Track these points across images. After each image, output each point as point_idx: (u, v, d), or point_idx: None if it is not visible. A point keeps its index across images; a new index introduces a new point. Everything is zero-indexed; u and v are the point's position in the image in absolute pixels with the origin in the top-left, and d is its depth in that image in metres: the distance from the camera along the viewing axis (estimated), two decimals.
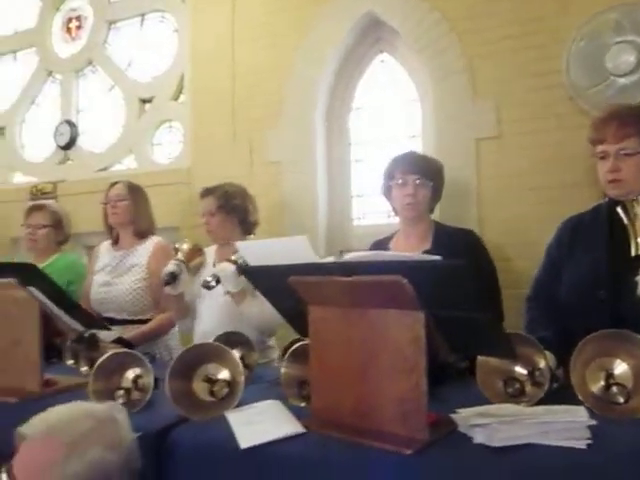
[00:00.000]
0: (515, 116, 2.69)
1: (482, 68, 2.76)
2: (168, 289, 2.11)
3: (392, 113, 3.24)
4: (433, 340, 1.16)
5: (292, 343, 1.71)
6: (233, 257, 1.95)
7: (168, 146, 3.92)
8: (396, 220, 3.12)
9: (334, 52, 3.18)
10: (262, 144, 3.32)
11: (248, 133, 3.38)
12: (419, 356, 1.13)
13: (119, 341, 2.18)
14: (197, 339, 2.21)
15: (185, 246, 2.22)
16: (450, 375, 1.55)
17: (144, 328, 2.40)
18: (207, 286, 1.96)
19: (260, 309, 2.04)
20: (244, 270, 1.45)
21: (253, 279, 1.46)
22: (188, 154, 3.67)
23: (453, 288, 1.05)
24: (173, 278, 2.07)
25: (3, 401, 1.60)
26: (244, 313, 2.03)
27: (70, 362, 2.12)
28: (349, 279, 1.16)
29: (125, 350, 1.60)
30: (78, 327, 1.75)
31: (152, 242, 2.53)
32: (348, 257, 1.17)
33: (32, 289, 1.60)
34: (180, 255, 2.19)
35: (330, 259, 1.23)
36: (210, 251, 2.39)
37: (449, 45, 2.84)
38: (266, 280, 1.38)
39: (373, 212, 3.28)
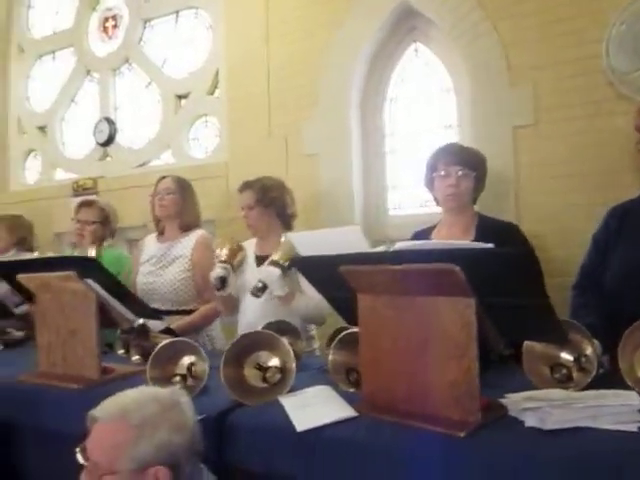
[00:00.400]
0: (553, 103, 2.66)
1: (518, 55, 2.74)
2: (219, 293, 2.16)
3: (426, 103, 3.24)
4: (483, 326, 1.19)
5: (336, 332, 1.75)
6: (275, 258, 1.99)
7: (204, 141, 3.99)
8: (432, 210, 3.14)
9: (368, 43, 3.20)
10: (297, 137, 3.36)
11: (283, 126, 3.43)
12: (470, 341, 1.16)
13: (166, 331, 2.26)
14: (241, 331, 2.26)
15: (225, 250, 2.24)
16: (494, 361, 1.58)
17: (189, 319, 2.47)
18: (256, 294, 1.99)
19: (306, 301, 2.09)
20: (295, 261, 1.49)
21: (303, 269, 1.50)
22: (224, 148, 3.73)
23: (506, 275, 1.08)
24: (223, 283, 2.13)
25: (66, 387, 1.68)
26: (291, 306, 2.08)
27: (121, 352, 2.21)
28: (401, 267, 1.19)
29: (181, 339, 1.67)
30: (132, 317, 1.82)
31: (196, 235, 2.60)
32: (399, 246, 1.20)
33: (90, 281, 1.67)
34: (224, 256, 2.21)
35: (381, 248, 1.26)
36: (250, 244, 2.43)
37: (484, 32, 2.82)
38: (316, 270, 1.43)
39: (409, 203, 3.30)
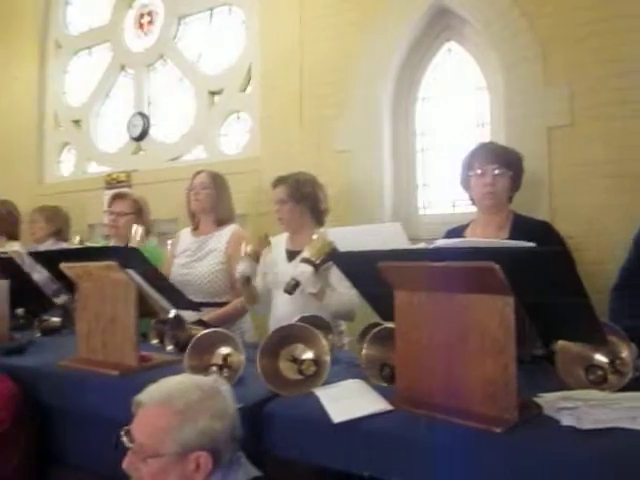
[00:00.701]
0: (589, 103, 2.64)
1: (555, 54, 2.72)
2: (243, 287, 2.21)
3: (459, 102, 3.23)
4: (521, 324, 1.20)
5: (369, 327, 1.77)
6: (307, 255, 2.02)
7: (235, 136, 4.04)
8: (462, 210, 3.15)
9: (401, 41, 3.20)
10: (329, 133, 3.38)
11: (315, 122, 3.45)
12: (508, 339, 1.17)
13: (199, 322, 2.30)
14: (272, 325, 2.30)
15: (249, 248, 2.26)
16: (526, 361, 1.58)
17: (221, 311, 2.52)
18: (289, 291, 2.02)
19: (337, 298, 2.12)
20: (333, 256, 1.51)
21: (341, 264, 1.53)
22: (256, 144, 3.77)
23: (545, 274, 1.09)
24: (248, 280, 2.18)
25: (106, 373, 1.73)
26: (322, 303, 2.11)
27: (155, 341, 2.27)
28: (440, 264, 1.21)
29: (219, 329, 1.70)
30: (169, 307, 1.87)
31: (231, 229, 2.64)
32: (439, 243, 1.21)
33: (130, 271, 1.72)
34: (249, 251, 2.24)
35: (420, 245, 1.28)
36: (281, 239, 2.47)
37: (520, 31, 2.81)
38: (354, 265, 1.45)
39: (438, 201, 3.30)
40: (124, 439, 1.20)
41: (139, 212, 3.00)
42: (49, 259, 2.04)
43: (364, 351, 1.61)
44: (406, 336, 1.36)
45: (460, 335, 1.24)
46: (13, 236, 3.75)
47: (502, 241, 1.24)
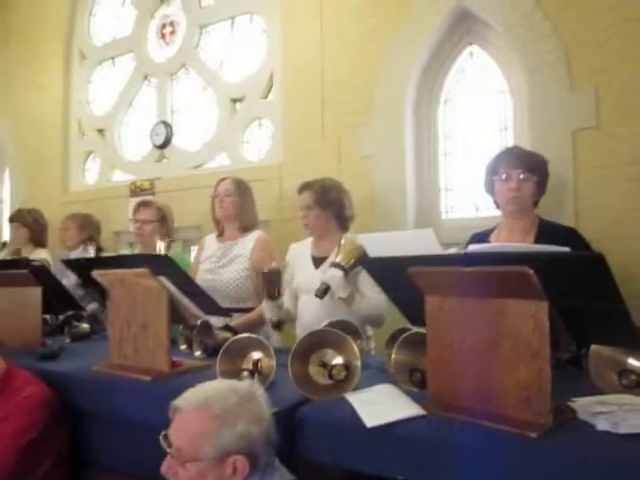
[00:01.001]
0: (615, 106, 2.62)
1: (579, 57, 2.71)
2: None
3: (481, 106, 3.23)
4: (554, 328, 1.20)
5: (397, 332, 1.78)
6: (337, 260, 2.03)
7: (257, 143, 4.08)
8: (485, 214, 3.14)
9: (423, 46, 3.21)
10: (351, 139, 3.40)
11: (337, 128, 3.47)
12: (542, 344, 1.17)
13: (226, 328, 2.33)
14: (300, 330, 2.32)
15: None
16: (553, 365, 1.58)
17: (246, 317, 2.54)
18: (320, 296, 2.04)
19: (366, 303, 2.13)
20: (363, 262, 1.52)
21: (371, 270, 1.54)
22: (278, 151, 3.80)
23: (581, 279, 1.09)
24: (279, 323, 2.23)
25: (138, 379, 1.76)
26: (351, 308, 2.12)
27: (183, 347, 2.30)
28: (473, 269, 1.21)
29: (250, 335, 1.72)
30: (201, 314, 1.89)
31: (255, 235, 2.67)
32: (471, 249, 1.22)
33: (162, 278, 1.75)
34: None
35: (452, 250, 1.29)
36: (305, 245, 2.48)
37: (544, 34, 2.80)
38: (384, 271, 1.46)
39: (461, 206, 3.29)
40: (162, 443, 1.22)
41: (163, 219, 3.03)
42: (81, 267, 2.09)
43: (394, 356, 1.62)
44: (438, 341, 1.37)
45: (493, 340, 1.25)
46: (40, 243, 3.84)
47: (535, 246, 1.24)
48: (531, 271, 1.12)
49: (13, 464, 1.73)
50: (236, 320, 2.50)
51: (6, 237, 5.84)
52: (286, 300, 2.45)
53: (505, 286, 1.19)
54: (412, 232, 1.52)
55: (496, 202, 2.12)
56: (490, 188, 2.10)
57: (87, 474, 1.99)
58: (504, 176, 2.00)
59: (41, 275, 2.36)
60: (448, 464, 1.22)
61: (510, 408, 1.23)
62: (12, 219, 3.83)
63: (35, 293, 2.32)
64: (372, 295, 2.12)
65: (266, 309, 2.16)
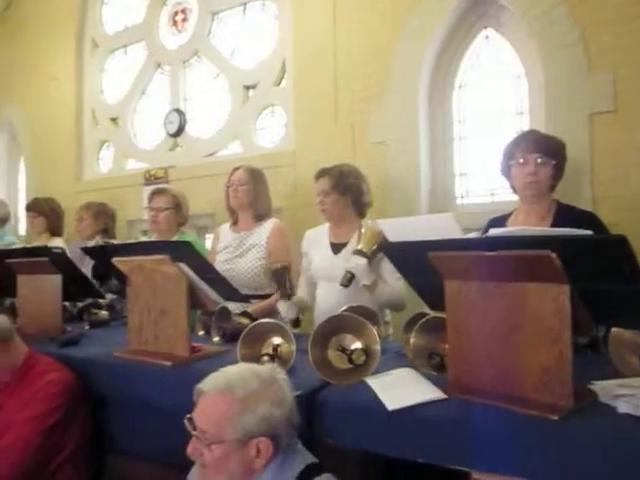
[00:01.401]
0: (634, 88, 2.58)
1: (597, 38, 2.67)
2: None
3: (496, 90, 3.20)
4: (575, 312, 1.20)
5: (415, 317, 1.79)
6: (360, 247, 2.03)
7: (271, 130, 4.08)
8: (500, 199, 3.12)
9: (437, 30, 3.18)
10: (365, 125, 3.39)
11: (350, 114, 3.46)
12: (563, 327, 1.17)
13: (243, 314, 2.35)
14: (318, 316, 2.33)
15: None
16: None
17: (264, 304, 2.55)
18: (346, 284, 2.04)
19: (389, 289, 2.14)
20: (383, 247, 1.53)
21: (390, 255, 1.54)
22: (291, 137, 3.80)
23: (604, 261, 1.09)
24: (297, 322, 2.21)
25: (159, 364, 1.79)
26: (375, 294, 2.13)
27: (201, 333, 2.32)
28: (494, 254, 1.21)
29: (271, 320, 1.74)
30: (220, 300, 1.91)
31: (271, 224, 2.67)
32: (492, 232, 1.22)
33: (182, 265, 1.77)
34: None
35: (472, 235, 1.29)
36: (323, 230, 2.49)
37: (560, 16, 2.76)
38: (404, 256, 1.46)
39: (477, 190, 3.28)
40: (187, 426, 1.24)
41: (178, 207, 3.04)
42: (101, 254, 2.11)
43: (412, 340, 1.63)
44: (457, 325, 1.37)
45: (514, 323, 1.25)
46: (57, 232, 3.87)
47: (557, 229, 1.23)
48: (553, 254, 1.12)
49: (36, 448, 1.76)
50: (253, 306, 2.51)
51: (22, 226, 5.93)
52: (301, 288, 2.47)
53: (527, 270, 1.19)
54: (432, 217, 1.52)
55: (513, 186, 2.11)
56: (507, 172, 2.09)
57: (109, 459, 2.03)
58: (521, 160, 1.98)
59: (60, 263, 2.38)
60: (469, 447, 1.23)
61: (531, 391, 1.23)
62: (29, 208, 3.86)
63: (55, 280, 2.35)
64: (394, 282, 2.13)
65: (282, 309, 2.17)
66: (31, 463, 1.75)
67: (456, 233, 1.28)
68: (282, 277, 2.13)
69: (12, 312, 2.67)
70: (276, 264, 2.15)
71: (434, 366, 1.58)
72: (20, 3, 5.83)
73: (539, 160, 1.97)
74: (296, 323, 2.19)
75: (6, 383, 1.87)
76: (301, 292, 2.45)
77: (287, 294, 2.13)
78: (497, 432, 1.20)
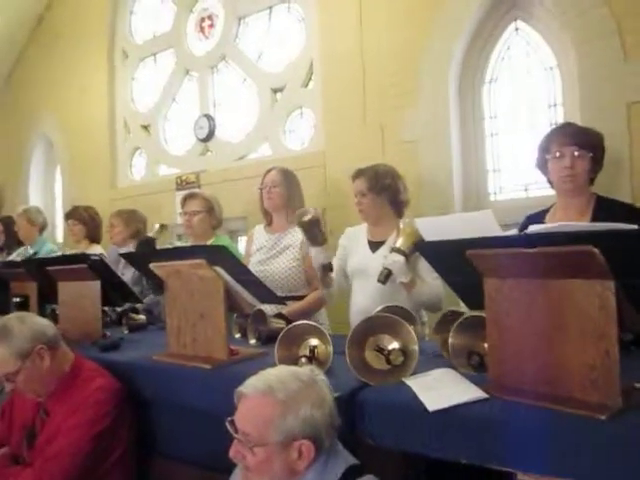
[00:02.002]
0: None
1: (633, 27, 2.59)
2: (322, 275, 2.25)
3: (528, 83, 3.15)
4: (620, 308, 1.17)
5: (445, 316, 1.77)
6: (398, 244, 2.02)
7: (299, 132, 4.09)
8: (534, 194, 3.07)
9: (466, 24, 3.14)
10: (394, 123, 3.36)
11: (379, 113, 3.45)
12: (609, 324, 1.14)
13: (279, 316, 2.36)
14: (354, 315, 2.32)
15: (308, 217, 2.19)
16: None
17: (299, 305, 2.56)
18: (383, 281, 2.02)
19: (428, 288, 2.12)
20: (419, 246, 1.51)
21: (427, 254, 1.53)
22: (320, 138, 3.80)
23: None
24: (328, 268, 2.21)
25: (198, 367, 1.81)
26: (413, 292, 2.11)
27: (237, 335, 2.34)
28: (535, 250, 1.19)
29: (306, 322, 1.74)
30: (256, 303, 1.92)
31: None
32: (532, 229, 1.20)
33: (218, 268, 1.79)
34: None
35: (512, 232, 1.26)
36: (362, 228, 2.48)
37: (594, 5, 2.69)
38: (441, 255, 1.45)
39: (510, 186, 3.23)
40: (229, 428, 1.25)
41: (210, 210, 3.07)
42: (139, 260, 2.15)
43: (450, 339, 1.61)
44: (497, 323, 1.35)
45: (556, 321, 1.22)
46: (95, 240, 3.95)
47: (597, 224, 1.20)
48: (597, 250, 1.09)
49: (85, 454, 1.78)
50: (288, 308, 2.52)
51: (59, 233, 6.08)
52: (335, 278, 2.45)
53: (569, 266, 1.17)
54: (470, 214, 1.49)
55: (550, 181, 2.06)
56: (543, 167, 2.04)
57: (151, 462, 2.06)
58: (557, 154, 1.94)
59: (99, 269, 2.44)
60: (512, 447, 1.21)
61: (576, 390, 1.20)
62: (68, 216, 3.95)
63: (94, 286, 2.40)
64: (431, 280, 2.11)
65: (314, 255, 2.17)
66: (80, 469, 1.77)
67: (495, 230, 1.26)
68: (312, 228, 2.13)
69: (53, 318, 2.75)
70: (307, 215, 2.13)
71: (473, 365, 1.56)
72: (53, 17, 5.99)
73: (576, 153, 1.93)
74: (329, 268, 2.19)
75: (54, 389, 1.89)
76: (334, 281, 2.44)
77: (318, 242, 2.14)
78: (542, 432, 1.18)
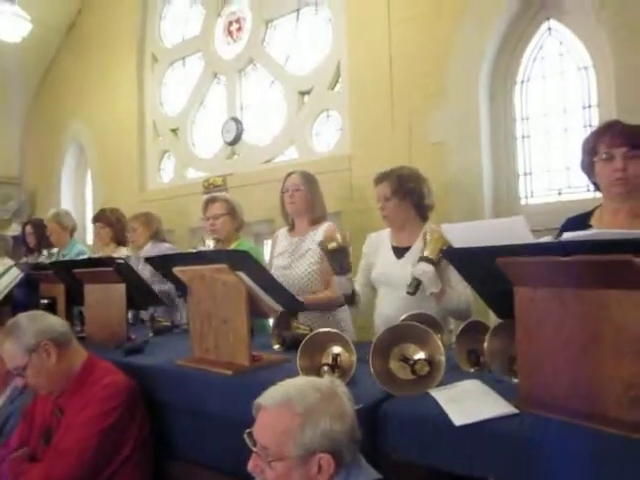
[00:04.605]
0: None
1: None
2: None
3: (561, 83, 3.05)
4: None
5: (469, 325, 1.71)
6: (426, 253, 1.96)
7: (326, 135, 4.06)
8: (568, 198, 2.97)
9: (497, 23, 3.07)
10: (422, 125, 3.30)
11: (407, 115, 3.39)
12: None
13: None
14: (379, 323, 2.26)
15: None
16: None
17: (317, 297, 2.52)
18: (412, 292, 1.97)
19: (457, 296, 2.05)
20: (447, 253, 1.46)
21: (455, 261, 1.47)
22: (347, 141, 3.76)
23: None
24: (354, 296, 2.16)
25: (220, 372, 1.79)
26: (442, 301, 2.05)
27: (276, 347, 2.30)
28: (569, 259, 1.13)
29: (328, 329, 1.70)
30: (278, 308, 1.89)
31: (324, 227, 2.64)
32: (567, 236, 1.13)
33: (241, 274, 1.76)
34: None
35: (546, 239, 1.20)
36: (385, 234, 2.42)
37: (632, 3, 2.60)
38: (470, 262, 1.39)
39: (541, 190, 3.13)
40: (247, 441, 1.21)
41: (232, 212, 3.04)
42: (163, 263, 2.14)
43: (486, 344, 1.54)
44: (528, 335, 1.29)
45: (593, 333, 1.15)
46: (122, 242, 3.99)
47: (636, 231, 1.12)
48: (637, 259, 1.02)
49: (93, 449, 1.79)
50: (307, 297, 2.46)
51: (90, 236, 6.18)
52: (358, 287, 2.40)
53: (606, 276, 1.10)
54: (501, 220, 1.42)
55: (595, 184, 1.92)
56: (589, 169, 1.90)
57: (171, 465, 2.05)
58: (604, 156, 1.79)
59: (124, 272, 2.44)
60: (543, 466, 1.14)
61: (612, 408, 1.13)
62: (96, 219, 4.00)
63: (120, 289, 2.41)
64: (461, 288, 2.04)
65: (337, 285, 2.10)
66: (88, 464, 1.78)
67: (527, 238, 1.20)
68: (338, 257, 2.02)
69: (80, 321, 2.78)
70: (332, 243, 2.03)
71: (516, 372, 1.48)
72: (84, 23, 6.10)
73: (627, 153, 1.79)
74: (352, 300, 2.13)
75: (66, 388, 1.91)
76: (358, 288, 2.38)
77: (341, 271, 2.05)
78: (575, 451, 1.11)
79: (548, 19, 3.06)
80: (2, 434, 2.13)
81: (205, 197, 3.39)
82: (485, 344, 1.51)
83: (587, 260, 1.11)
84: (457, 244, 1.36)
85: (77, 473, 1.77)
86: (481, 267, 1.32)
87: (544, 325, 1.26)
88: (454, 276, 2.02)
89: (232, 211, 3.04)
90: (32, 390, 2.03)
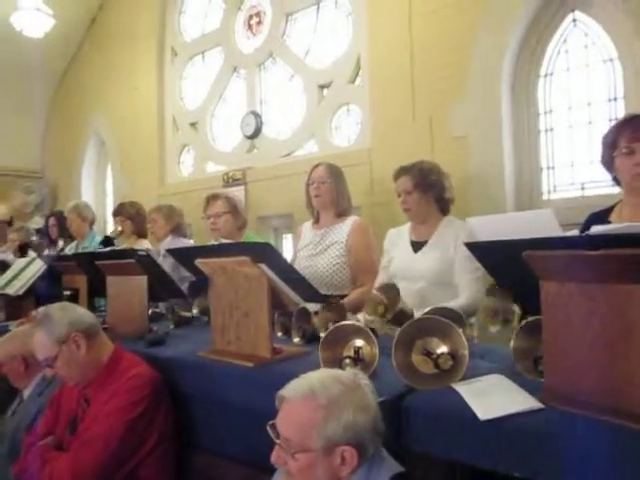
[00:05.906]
0: None
1: None
2: None
3: (585, 76, 3.00)
4: None
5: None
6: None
7: (346, 129, 4.04)
8: (592, 193, 2.93)
9: (520, 15, 3.03)
10: (443, 120, 3.28)
11: (427, 109, 3.36)
12: None
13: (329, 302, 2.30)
14: None
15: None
16: None
17: (345, 301, 2.51)
18: None
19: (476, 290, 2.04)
20: (471, 247, 1.44)
21: (480, 255, 1.46)
22: (367, 135, 3.75)
23: None
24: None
25: (241, 365, 1.79)
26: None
27: (279, 334, 2.31)
28: (598, 253, 1.11)
29: (350, 322, 1.70)
30: (300, 301, 1.89)
31: (351, 221, 2.63)
32: (595, 230, 1.11)
33: (263, 266, 1.76)
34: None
35: (573, 232, 1.18)
36: (405, 228, 2.41)
37: None
38: (495, 256, 1.38)
39: (564, 185, 3.09)
40: (270, 433, 1.22)
41: (234, 209, 3.02)
42: (185, 256, 2.15)
43: (512, 343, 1.52)
44: (555, 330, 1.27)
45: (622, 329, 1.13)
46: (142, 235, 4.01)
47: None
48: None
49: (119, 439, 1.81)
50: (346, 299, 2.46)
51: (111, 228, 6.24)
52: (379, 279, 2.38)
53: (636, 271, 1.08)
54: (527, 213, 1.41)
55: (616, 178, 1.90)
56: (609, 164, 1.87)
57: (193, 457, 2.06)
58: (625, 150, 1.77)
59: (146, 264, 2.46)
60: (569, 462, 1.13)
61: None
62: (116, 213, 4.03)
63: (141, 281, 2.43)
64: (468, 282, 2.03)
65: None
66: (114, 455, 1.80)
67: (555, 231, 1.18)
68: None
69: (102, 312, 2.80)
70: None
71: (542, 372, 1.46)
72: (106, 17, 6.14)
73: None
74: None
75: (93, 379, 1.93)
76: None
77: None
78: (603, 448, 1.10)
79: (573, 11, 3.01)
80: (32, 429, 2.15)
81: (206, 195, 3.28)
82: (511, 344, 1.49)
83: (616, 254, 1.09)
84: (482, 237, 1.35)
85: (103, 463, 1.78)
86: (507, 260, 1.31)
87: (571, 320, 1.24)
88: (462, 268, 2.00)
89: (234, 209, 3.02)
90: (61, 380, 2.06)
